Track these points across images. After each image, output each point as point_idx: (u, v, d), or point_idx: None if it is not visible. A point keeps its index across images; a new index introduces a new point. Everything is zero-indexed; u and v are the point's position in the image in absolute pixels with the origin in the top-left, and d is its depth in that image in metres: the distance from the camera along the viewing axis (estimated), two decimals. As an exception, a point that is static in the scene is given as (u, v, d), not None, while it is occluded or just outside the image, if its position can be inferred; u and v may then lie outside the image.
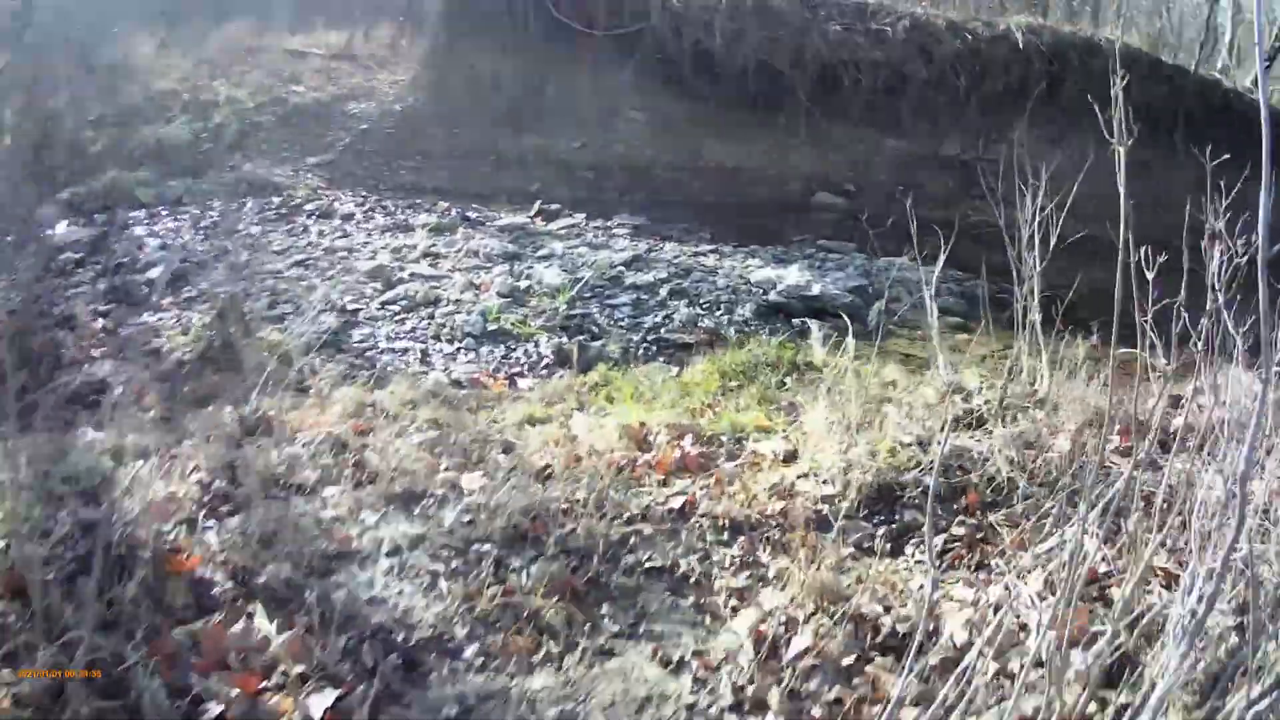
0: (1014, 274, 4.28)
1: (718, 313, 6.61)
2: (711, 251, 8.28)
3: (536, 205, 9.54)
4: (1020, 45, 12.74)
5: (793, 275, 7.39)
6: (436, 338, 5.64)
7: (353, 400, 3.89)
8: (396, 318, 5.88)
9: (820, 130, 12.17)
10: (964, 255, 9.32)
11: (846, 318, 6.19)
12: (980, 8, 14.81)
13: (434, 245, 7.39)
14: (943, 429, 3.49)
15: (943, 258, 4.54)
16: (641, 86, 12.20)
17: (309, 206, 8.52)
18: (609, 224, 9.21)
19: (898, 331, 6.44)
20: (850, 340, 4.77)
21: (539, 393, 4.46)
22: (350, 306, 5.98)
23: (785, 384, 4.82)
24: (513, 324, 5.87)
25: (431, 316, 5.92)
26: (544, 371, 5.32)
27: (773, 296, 7.02)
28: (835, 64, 12.33)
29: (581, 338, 5.75)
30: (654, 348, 5.85)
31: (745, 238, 9.04)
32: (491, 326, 5.79)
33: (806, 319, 6.58)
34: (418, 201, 9.38)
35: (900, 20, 12.61)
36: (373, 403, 3.93)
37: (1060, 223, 4.18)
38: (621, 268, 7.24)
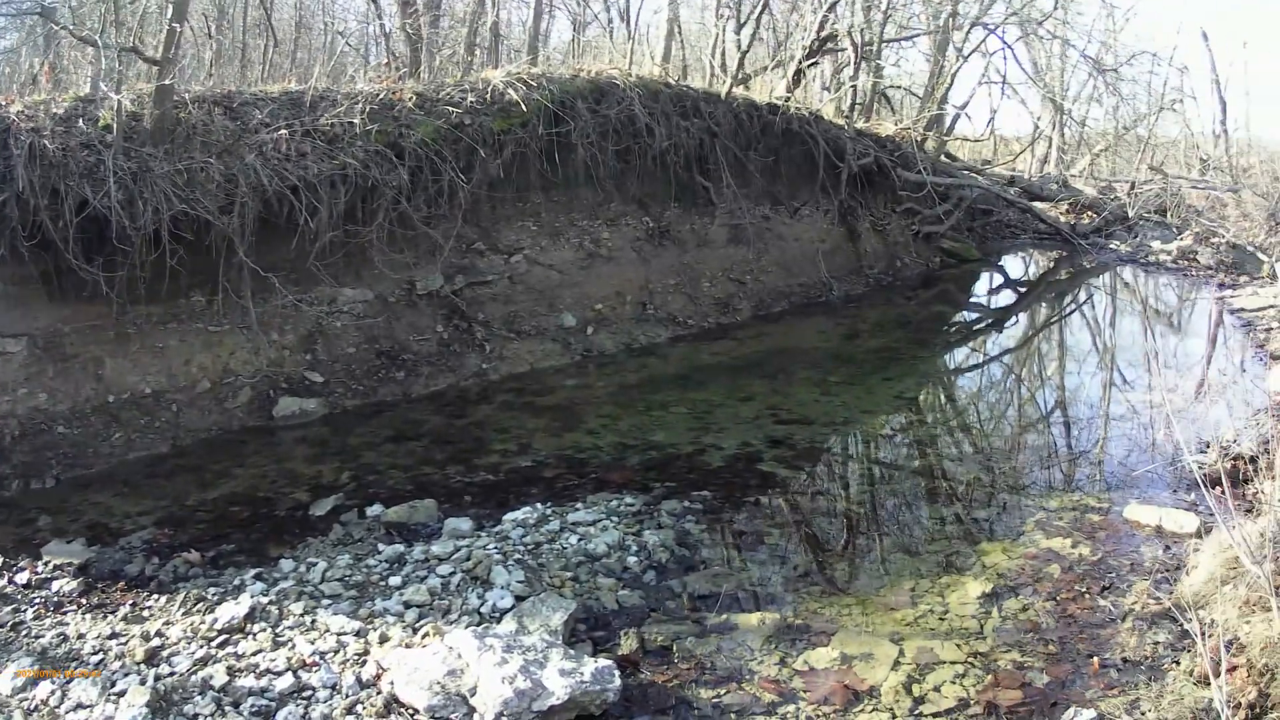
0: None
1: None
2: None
3: None
4: (521, 103, 10.14)
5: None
6: None
7: None
8: None
9: (258, 300, 8.45)
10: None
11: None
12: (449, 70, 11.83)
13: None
14: None
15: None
16: (11, 294, 7.41)
17: None
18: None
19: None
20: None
21: None
22: None
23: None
24: None
25: None
26: None
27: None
28: (279, 197, 8.29)
29: None
30: None
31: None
32: None
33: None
34: None
35: (355, 104, 9.23)
36: None
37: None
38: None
